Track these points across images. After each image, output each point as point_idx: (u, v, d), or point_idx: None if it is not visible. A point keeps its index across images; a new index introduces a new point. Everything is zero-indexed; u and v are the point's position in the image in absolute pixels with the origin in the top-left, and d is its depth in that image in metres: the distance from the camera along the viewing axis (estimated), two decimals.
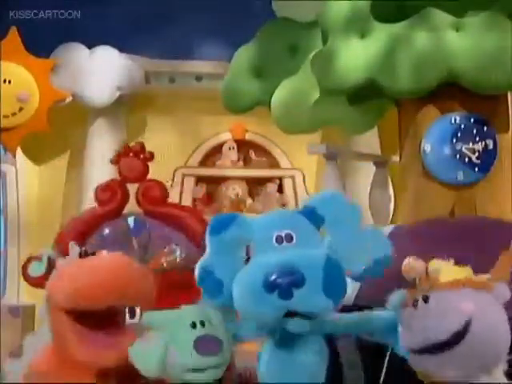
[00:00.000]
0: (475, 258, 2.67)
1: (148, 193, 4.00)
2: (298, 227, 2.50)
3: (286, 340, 2.54)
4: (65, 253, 3.91)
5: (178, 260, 3.81)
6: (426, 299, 2.41)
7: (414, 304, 2.44)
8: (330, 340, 2.71)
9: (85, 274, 2.77)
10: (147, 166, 4.04)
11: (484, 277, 2.51)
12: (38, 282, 3.94)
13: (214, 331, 2.64)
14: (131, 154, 4.01)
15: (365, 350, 3.39)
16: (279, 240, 2.47)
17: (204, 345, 2.58)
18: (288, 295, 2.34)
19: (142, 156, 4.02)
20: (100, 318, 2.80)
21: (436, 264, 2.51)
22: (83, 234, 4.04)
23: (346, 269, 2.49)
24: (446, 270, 2.49)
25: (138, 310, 3.60)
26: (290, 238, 2.47)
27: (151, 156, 4.05)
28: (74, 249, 2.94)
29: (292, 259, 2.38)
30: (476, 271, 2.55)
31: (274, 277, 2.35)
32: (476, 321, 2.36)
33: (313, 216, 2.52)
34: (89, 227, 4.05)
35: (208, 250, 2.61)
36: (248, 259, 2.57)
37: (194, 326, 2.62)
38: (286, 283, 2.33)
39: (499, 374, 2.42)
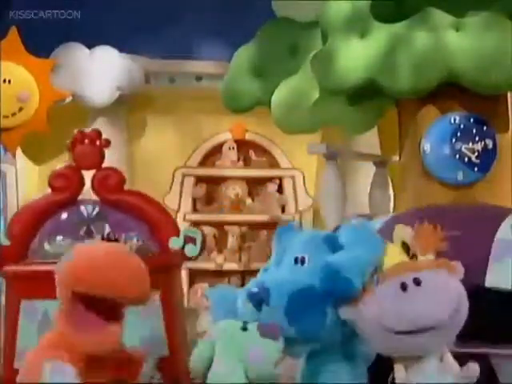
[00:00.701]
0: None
1: (104, 180, 3.97)
2: (314, 253, 2.74)
3: (311, 358, 2.75)
4: (16, 237, 3.92)
5: (133, 248, 3.84)
6: (418, 283, 2.49)
7: (404, 287, 2.50)
8: None
9: (99, 262, 2.82)
10: (103, 154, 4.01)
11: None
12: None
13: None
14: (86, 141, 3.98)
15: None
16: (296, 261, 2.76)
17: (267, 328, 2.63)
18: (257, 307, 2.66)
19: (97, 143, 3.97)
20: (103, 306, 2.83)
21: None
22: (37, 220, 4.02)
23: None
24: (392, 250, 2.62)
25: None
26: (303, 261, 2.74)
27: (107, 143, 4.02)
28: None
29: (271, 281, 2.70)
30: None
31: (252, 289, 2.70)
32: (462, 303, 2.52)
33: (334, 245, 2.76)
34: (42, 214, 4.03)
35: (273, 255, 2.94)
36: None
37: (244, 329, 2.69)
38: (251, 292, 2.68)
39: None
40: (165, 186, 6.22)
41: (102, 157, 4.00)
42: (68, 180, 4.01)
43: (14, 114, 5.77)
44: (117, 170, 4.14)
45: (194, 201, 6.38)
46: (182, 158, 6.38)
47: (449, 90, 3.99)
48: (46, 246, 4.01)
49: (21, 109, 5.79)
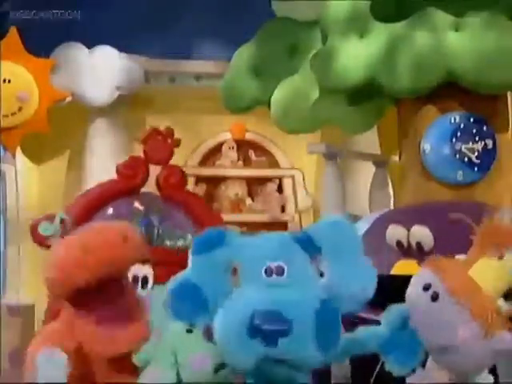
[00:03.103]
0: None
1: (168, 177, 4.14)
2: (291, 258, 2.32)
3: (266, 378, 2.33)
4: (76, 215, 3.95)
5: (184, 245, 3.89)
6: (435, 298, 2.24)
7: (425, 288, 2.26)
8: None
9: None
10: (172, 151, 4.17)
11: (461, 258, 2.40)
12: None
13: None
14: (159, 137, 4.10)
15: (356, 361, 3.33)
16: (269, 272, 2.29)
17: (198, 361, 2.46)
18: (272, 342, 2.17)
19: (169, 141, 4.14)
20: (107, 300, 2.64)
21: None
22: (99, 202, 4.14)
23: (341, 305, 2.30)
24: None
25: (150, 280, 3.66)
26: (281, 271, 2.29)
27: (178, 142, 4.15)
28: None
29: (281, 303, 2.21)
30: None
31: (258, 321, 2.17)
32: (462, 348, 2.24)
33: (308, 245, 2.35)
34: (105, 198, 4.15)
35: (192, 267, 2.41)
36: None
37: (189, 331, 2.53)
38: (270, 330, 2.17)
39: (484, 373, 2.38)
40: None
41: (171, 154, 4.12)
42: (136, 170, 4.10)
43: (13, 114, 5.76)
44: (182, 169, 4.29)
45: None
46: (181, 157, 6.38)
47: (449, 90, 4.00)
48: None
49: (20, 108, 5.79)
